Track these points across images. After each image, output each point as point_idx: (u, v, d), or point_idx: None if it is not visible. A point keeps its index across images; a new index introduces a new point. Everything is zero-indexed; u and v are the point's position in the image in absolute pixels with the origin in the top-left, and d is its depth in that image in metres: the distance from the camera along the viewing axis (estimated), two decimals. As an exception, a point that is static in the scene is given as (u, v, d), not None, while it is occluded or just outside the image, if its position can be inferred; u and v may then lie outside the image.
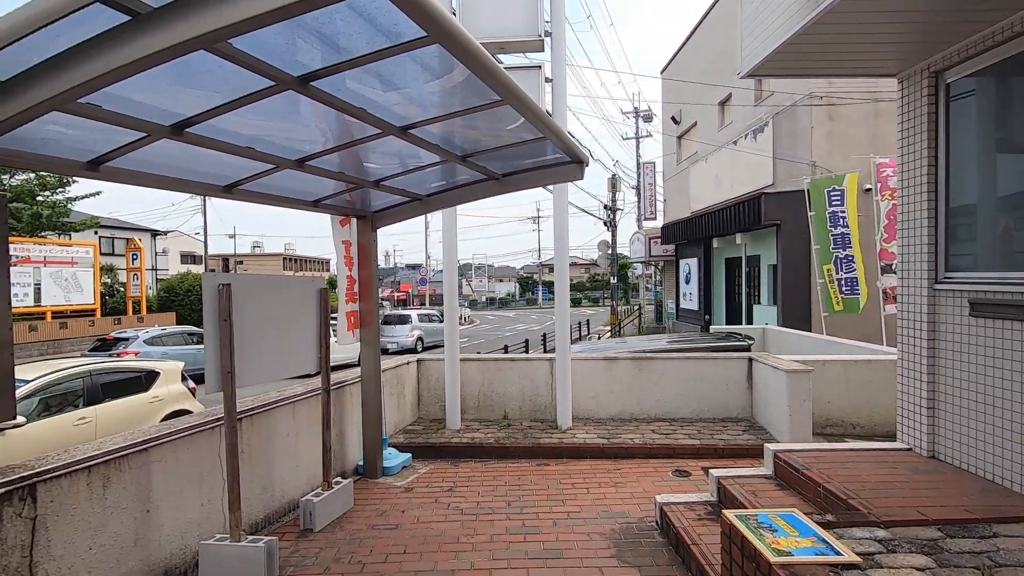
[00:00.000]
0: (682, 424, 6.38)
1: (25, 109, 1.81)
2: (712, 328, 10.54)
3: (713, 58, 16.25)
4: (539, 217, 74.06)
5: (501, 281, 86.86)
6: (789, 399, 5.44)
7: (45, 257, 20.44)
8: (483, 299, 71.59)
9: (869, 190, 9.69)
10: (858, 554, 2.34)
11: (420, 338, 23.15)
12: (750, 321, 13.65)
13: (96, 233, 37.65)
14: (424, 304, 46.79)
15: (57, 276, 20.66)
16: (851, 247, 9.15)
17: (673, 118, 19.32)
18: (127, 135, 2.64)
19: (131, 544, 3.10)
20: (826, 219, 9.33)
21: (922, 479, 3.43)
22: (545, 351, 20.99)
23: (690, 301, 17.46)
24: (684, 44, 18.65)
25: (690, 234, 16.20)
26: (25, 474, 2.61)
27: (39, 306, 20.13)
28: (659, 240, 19.99)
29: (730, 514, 2.63)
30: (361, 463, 5.32)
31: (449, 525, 4.15)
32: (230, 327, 3.39)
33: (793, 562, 2.22)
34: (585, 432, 6.15)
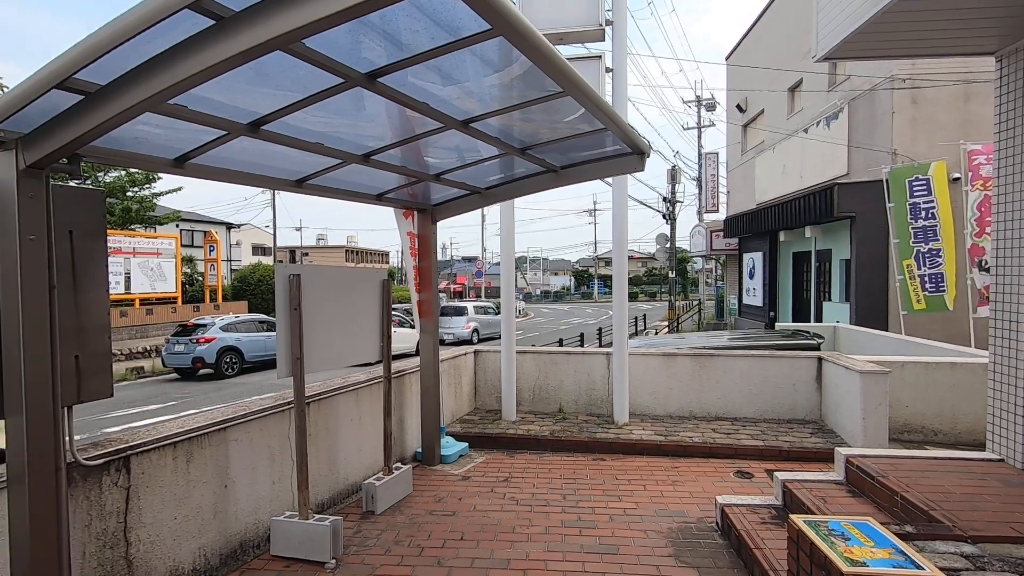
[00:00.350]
0: (744, 424, 6.16)
1: (124, 110, 1.96)
2: (777, 326, 10.08)
3: (782, 42, 15.45)
4: (596, 210, 73.22)
5: (556, 274, 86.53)
6: (863, 402, 5.14)
7: (134, 248, 22.12)
8: (537, 292, 71.61)
9: (957, 179, 8.95)
10: (942, 570, 2.18)
11: (476, 330, 23.48)
12: (819, 319, 12.96)
13: (177, 226, 40.26)
14: (480, 296, 47.29)
15: (144, 266, 22.31)
16: (936, 241, 8.48)
17: (738, 106, 18.55)
18: (209, 133, 2.81)
19: (211, 516, 3.32)
20: (907, 211, 8.68)
21: (1016, 493, 3.16)
22: (600, 346, 20.80)
23: (754, 297, 16.77)
24: (751, 28, 17.84)
25: (755, 227, 15.53)
26: (120, 447, 2.84)
27: (129, 293, 21.82)
28: (721, 233, 19.30)
29: (798, 519, 2.52)
30: (420, 450, 5.47)
31: (505, 515, 4.20)
32: (299, 315, 3.55)
33: (868, 573, 2.11)
34: (642, 428, 6.05)
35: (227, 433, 3.45)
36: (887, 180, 8.89)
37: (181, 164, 3.05)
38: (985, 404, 3.95)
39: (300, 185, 3.92)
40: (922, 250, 8.63)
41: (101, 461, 2.73)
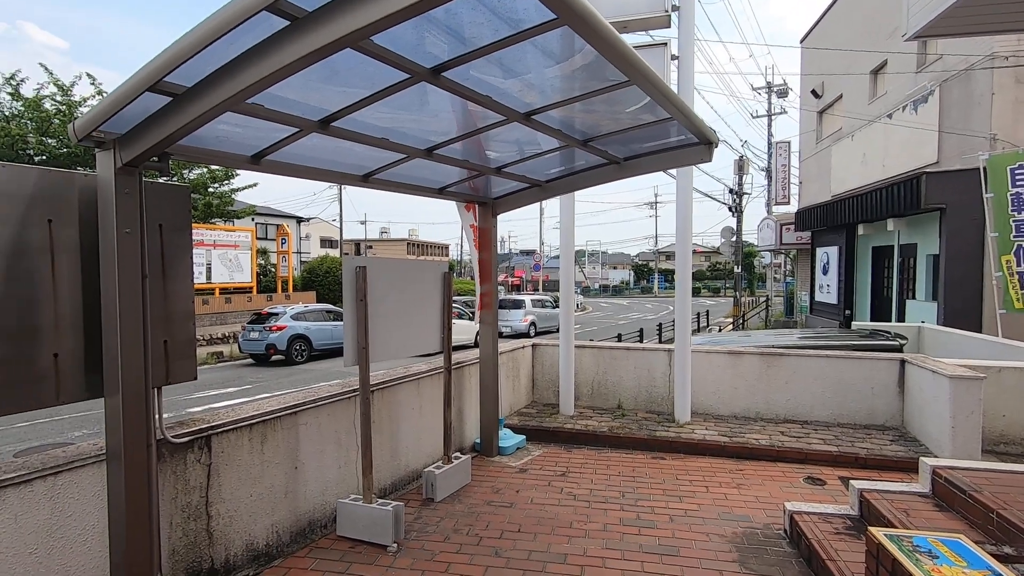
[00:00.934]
0: (816, 427, 5.84)
1: (208, 109, 2.07)
2: (854, 325, 9.47)
3: (864, 21, 14.42)
4: (656, 202, 71.47)
5: (615, 268, 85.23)
6: (953, 409, 4.75)
7: (215, 241, 23.59)
8: (596, 286, 70.81)
9: (1069, 166, 8.05)
10: (1046, 597, 1.98)
11: (533, 323, 23.55)
12: (901, 318, 12.07)
13: (253, 220, 42.63)
14: (537, 290, 47.32)
15: (223, 257, 23.78)
16: (1041, 234, 7.66)
17: (814, 91, 17.50)
18: (282, 131, 2.93)
19: (282, 495, 3.50)
20: (1007, 202, 7.89)
21: None
22: (660, 342, 20.33)
23: (827, 294, 15.84)
24: (829, 8, 16.76)
25: (830, 220, 14.63)
26: (203, 427, 3.04)
27: (209, 283, 23.32)
28: (792, 227, 18.32)
29: (879, 532, 2.36)
30: (478, 441, 5.54)
31: (562, 509, 4.18)
32: (365, 307, 3.67)
33: (959, 595, 1.94)
34: (704, 428, 5.86)
35: (298, 417, 3.62)
36: (984, 168, 8.11)
37: (257, 160, 3.20)
38: (1100, 416, 3.55)
39: (366, 180, 4.04)
40: (1023, 244, 7.83)
41: (187, 439, 2.93)
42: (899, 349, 6.96)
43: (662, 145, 4.43)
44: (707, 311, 26.82)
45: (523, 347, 6.73)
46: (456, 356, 5.57)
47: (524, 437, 5.80)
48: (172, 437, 2.86)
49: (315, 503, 3.75)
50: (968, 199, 9.43)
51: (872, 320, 13.74)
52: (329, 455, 3.87)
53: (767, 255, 37.68)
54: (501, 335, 25.40)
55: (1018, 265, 7.81)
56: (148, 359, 2.46)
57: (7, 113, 18.79)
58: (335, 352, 17.83)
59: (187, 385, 11.80)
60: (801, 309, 18.85)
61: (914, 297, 11.67)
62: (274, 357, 16.98)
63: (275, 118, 2.72)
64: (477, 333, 21.59)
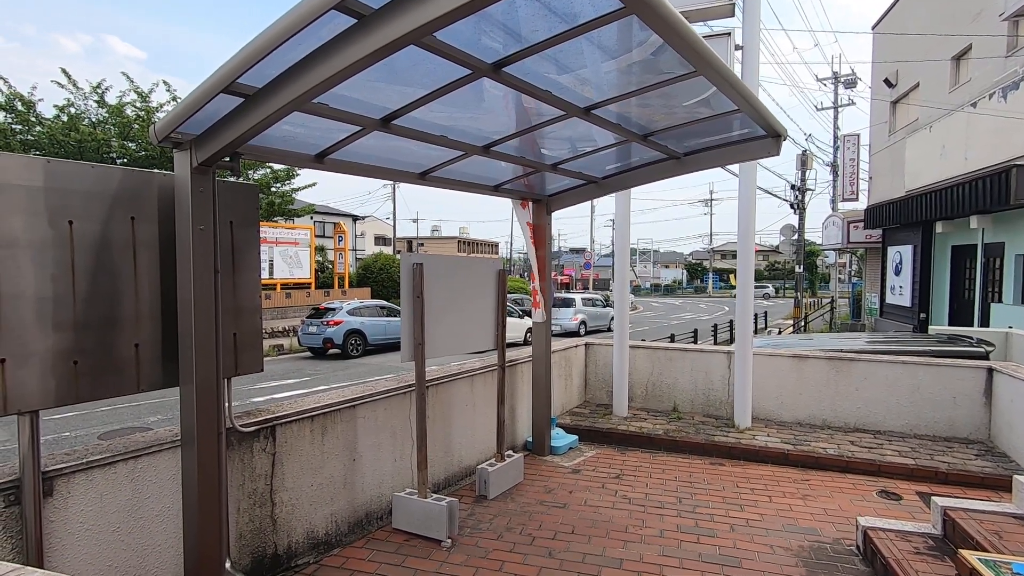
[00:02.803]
0: (890, 438, 5.49)
1: (277, 109, 2.13)
2: (931, 329, 8.82)
3: (944, 4, 13.43)
4: (712, 200, 69.36)
5: (667, 267, 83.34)
6: (1049, 423, 4.34)
7: (276, 238, 24.65)
8: (647, 285, 69.49)
9: None
10: None
11: (583, 322, 23.34)
12: (985, 323, 11.17)
13: (312, 218, 44.27)
14: (587, 288, 46.88)
15: (284, 254, 24.80)
16: None
17: (887, 80, 16.46)
18: (345, 130, 2.99)
19: (341, 486, 3.58)
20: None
21: None
22: (716, 343, 19.68)
23: (900, 296, 14.86)
24: (906, -9, 15.72)
25: (904, 217, 13.70)
26: (268, 417, 3.15)
27: (272, 279, 24.38)
28: (860, 224, 17.31)
29: (971, 556, 2.17)
30: (530, 439, 5.51)
31: (616, 512, 4.10)
32: (421, 303, 3.70)
33: (1069, 632, 1.75)
34: (766, 435, 5.61)
35: (356, 411, 3.70)
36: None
37: (321, 159, 3.28)
38: None
39: (423, 177, 4.08)
40: None
41: (253, 428, 3.04)
42: (984, 357, 6.44)
43: (724, 139, 4.26)
44: (765, 312, 25.77)
45: (576, 346, 6.66)
46: (509, 354, 5.57)
47: (576, 437, 5.74)
48: (240, 426, 2.97)
49: (371, 495, 3.82)
50: (1066, 194, 8.61)
51: (951, 325, 12.80)
52: (385, 448, 3.94)
53: (831, 254, 35.85)
54: (552, 333, 25.34)
55: None
56: (219, 350, 2.56)
57: (94, 119, 20.24)
58: (389, 347, 18.26)
59: (250, 376, 12.42)
60: (870, 312, 17.79)
61: (1000, 300, 10.78)
62: (331, 351, 17.55)
63: (339, 117, 2.77)
64: (528, 330, 21.80)
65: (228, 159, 2.61)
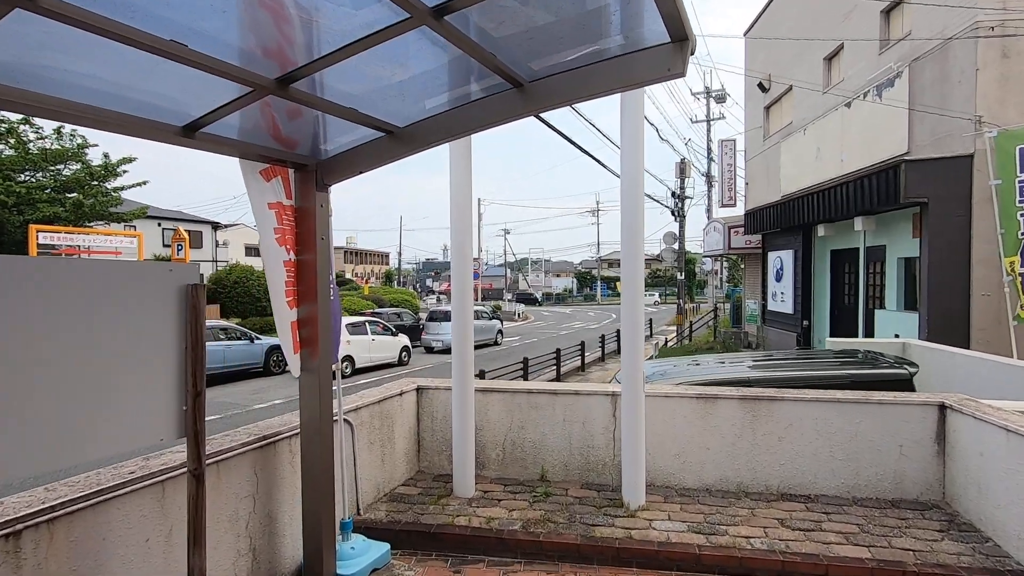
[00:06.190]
0: (826, 508, 3.98)
1: None
2: (828, 341, 7.88)
3: (815, 6, 13.27)
4: (599, 210, 71.20)
5: (558, 276, 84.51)
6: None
7: (90, 247, 19.98)
8: (539, 294, 69.48)
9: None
10: None
11: (466, 337, 21.33)
12: (869, 331, 10.72)
13: (159, 225, 38.49)
14: (477, 299, 45.27)
15: (100, 266, 20.22)
16: (1055, 231, 6.27)
17: (760, 85, 16.34)
18: None
19: None
20: (1015, 191, 6.49)
21: None
22: (603, 356, 18.55)
23: (782, 302, 14.50)
24: (775, -4, 15.66)
25: (784, 221, 13.27)
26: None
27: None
28: (741, 230, 17.06)
29: None
30: (304, 562, 3.30)
31: None
32: None
33: None
34: (666, 516, 3.88)
35: None
36: (991, 149, 6.68)
37: None
38: None
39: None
40: (1035, 243, 6.44)
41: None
42: (908, 380, 5.26)
43: (596, 54, 2.44)
44: (650, 320, 25.45)
45: (401, 393, 4.54)
46: (275, 422, 3.36)
47: (388, 546, 3.62)
48: None
49: None
50: (952, 192, 8.07)
51: (832, 331, 12.44)
52: None
53: (708, 261, 37.18)
54: (432, 350, 23.04)
55: (1022, 266, 6.39)
56: None
57: None
58: (231, 376, 15.09)
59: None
60: (749, 319, 17.60)
61: (883, 307, 10.33)
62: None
63: None
64: (403, 349, 19.36)
65: None
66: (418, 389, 4.73)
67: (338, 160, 3.13)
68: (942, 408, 4.04)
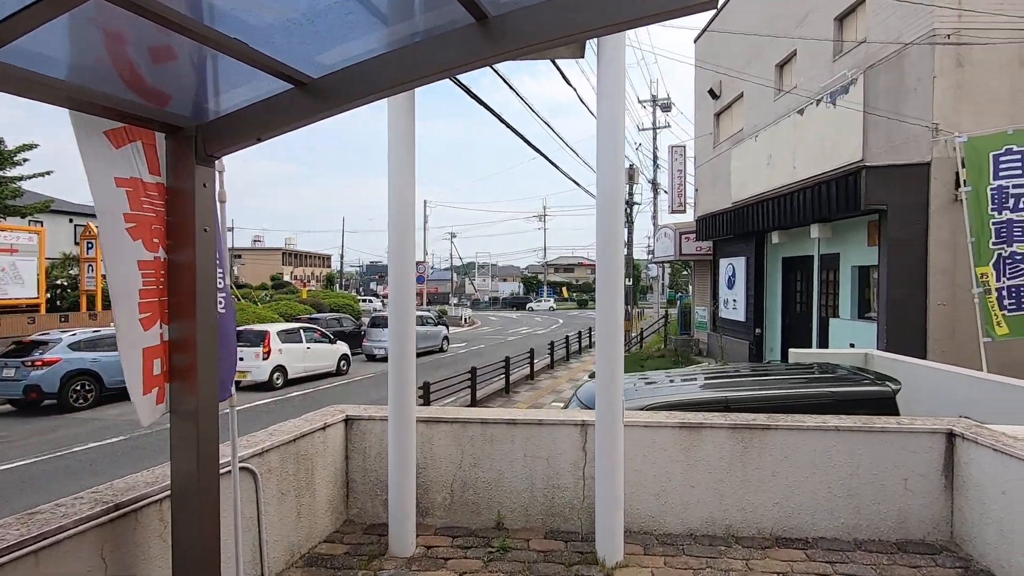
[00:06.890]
0: (829, 555, 3.42)
1: None
2: (792, 353, 7.55)
3: (767, 12, 13.27)
4: (545, 215, 71.33)
5: (505, 280, 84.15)
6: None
7: (-22, 243, 17.68)
8: (486, 299, 68.76)
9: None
10: None
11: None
12: (823, 340, 10.62)
13: (71, 221, 35.07)
14: (421, 304, 44.01)
15: (-9, 265, 17.91)
16: (1023, 241, 6.13)
17: (711, 91, 16.31)
18: None
19: None
20: (987, 198, 6.33)
21: None
22: (552, 364, 17.97)
23: (734, 310, 14.41)
24: (726, 3, 15.66)
25: (737, 227, 13.16)
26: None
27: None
28: (693, 236, 16.96)
29: None
30: (176, 676, 2.39)
31: None
32: None
33: None
34: (650, 575, 3.21)
35: None
36: (962, 155, 6.50)
37: None
38: None
39: None
40: (1003, 253, 6.29)
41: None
42: (891, 399, 4.86)
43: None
44: (590, 328, 25.19)
45: (324, 427, 3.66)
46: (130, 481, 2.44)
47: (300, 635, 2.76)
48: None
49: None
50: (910, 199, 7.97)
51: (784, 339, 12.35)
52: None
53: (653, 267, 37.63)
54: (374, 358, 21.77)
55: (997, 280, 6.23)
56: None
57: None
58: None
59: None
60: (698, 326, 17.54)
61: (838, 315, 10.24)
62: (46, 402, 12.31)
63: None
64: (342, 357, 18.04)
65: None
66: (347, 420, 3.86)
67: (228, 121, 2.27)
68: (950, 436, 3.58)
